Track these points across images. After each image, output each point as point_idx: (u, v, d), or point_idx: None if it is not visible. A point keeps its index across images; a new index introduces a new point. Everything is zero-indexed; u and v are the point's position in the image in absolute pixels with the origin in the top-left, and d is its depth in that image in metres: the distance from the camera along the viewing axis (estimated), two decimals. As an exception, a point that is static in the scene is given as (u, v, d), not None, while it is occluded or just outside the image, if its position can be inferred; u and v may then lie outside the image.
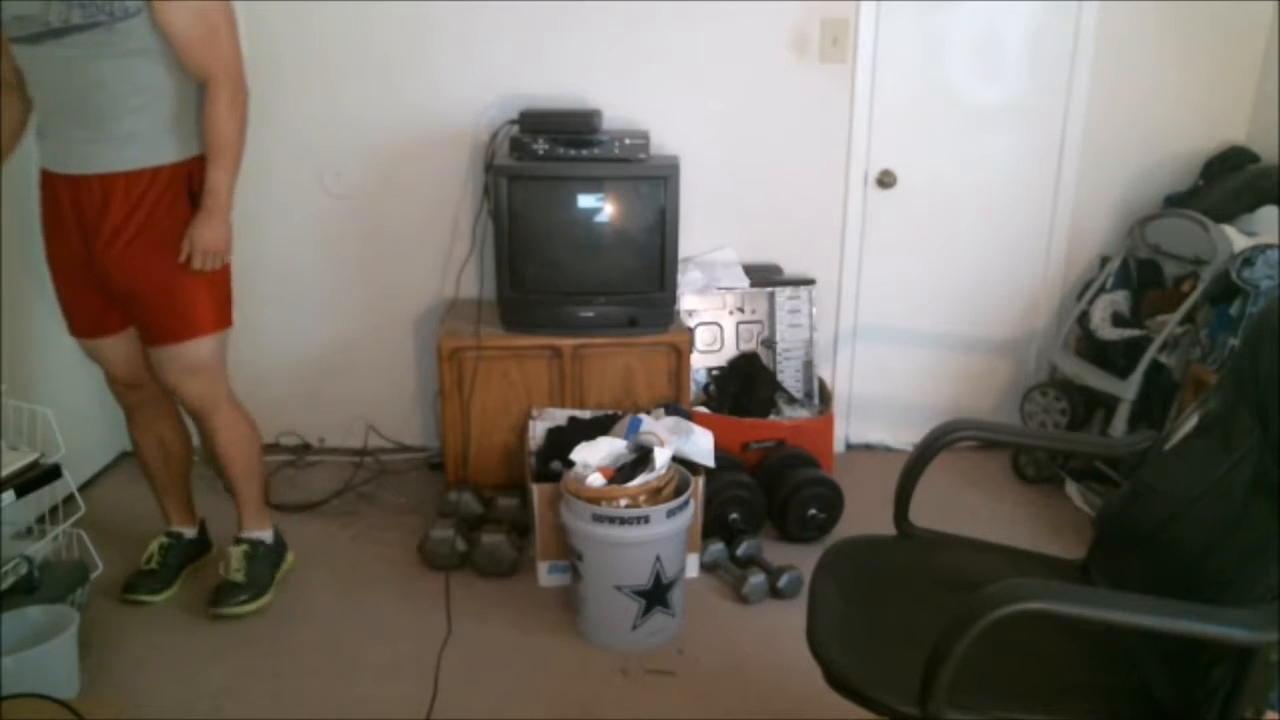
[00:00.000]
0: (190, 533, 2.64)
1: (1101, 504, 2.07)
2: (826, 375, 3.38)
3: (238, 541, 2.53)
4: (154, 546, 2.57)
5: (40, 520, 2.53)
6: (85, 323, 2.35)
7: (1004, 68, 3.21)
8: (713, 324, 3.24)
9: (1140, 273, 3.15)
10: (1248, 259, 2.71)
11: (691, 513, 2.44)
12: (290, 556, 2.66)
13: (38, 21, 2.04)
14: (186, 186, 2.22)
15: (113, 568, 2.59)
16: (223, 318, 2.36)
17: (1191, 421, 1.66)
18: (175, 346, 2.30)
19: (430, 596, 2.58)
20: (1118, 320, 3.10)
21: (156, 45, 2.10)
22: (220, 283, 2.33)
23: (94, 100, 2.11)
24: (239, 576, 2.48)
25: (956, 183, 3.29)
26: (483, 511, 2.87)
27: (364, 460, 3.35)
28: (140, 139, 2.16)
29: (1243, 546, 1.43)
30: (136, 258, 2.21)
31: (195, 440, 2.63)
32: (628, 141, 2.88)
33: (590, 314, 2.93)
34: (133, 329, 2.36)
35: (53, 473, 2.39)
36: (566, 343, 2.92)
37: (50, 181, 2.22)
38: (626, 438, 2.53)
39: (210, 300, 2.31)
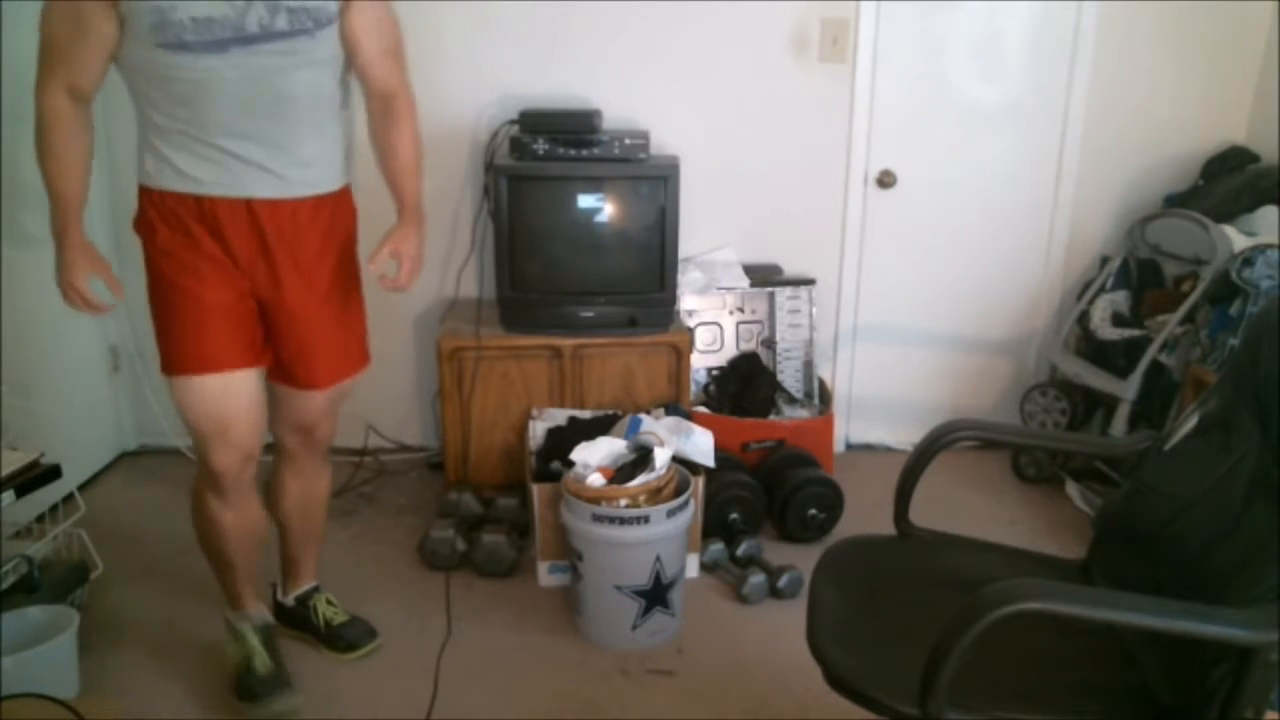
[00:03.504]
0: (268, 614, 2.31)
1: (1101, 504, 2.06)
2: (826, 375, 3.38)
3: (316, 591, 2.42)
4: (255, 644, 2.20)
5: (40, 520, 2.53)
6: (241, 349, 2.00)
7: (1004, 68, 3.21)
8: (713, 324, 3.24)
9: (1140, 273, 3.15)
10: (1248, 259, 2.71)
11: (691, 513, 2.43)
12: None
13: (228, 26, 1.78)
14: (351, 211, 2.12)
15: (113, 568, 2.59)
16: None
17: (1191, 421, 1.66)
18: (347, 382, 2.16)
19: (430, 596, 2.58)
20: (1118, 320, 3.10)
21: (339, 56, 1.95)
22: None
23: (280, 116, 1.89)
24: (345, 616, 2.40)
25: (956, 183, 3.29)
26: (483, 511, 2.87)
27: (364, 460, 3.35)
28: (321, 160, 2.00)
29: (1243, 546, 1.43)
30: (319, 290, 2.04)
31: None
32: (628, 141, 2.88)
33: (590, 314, 2.93)
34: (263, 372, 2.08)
35: (53, 473, 2.39)
36: (566, 343, 2.92)
37: (198, 206, 1.91)
38: (626, 438, 2.53)
39: (365, 325, 2.21)
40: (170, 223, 1.93)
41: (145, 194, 1.95)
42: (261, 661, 2.18)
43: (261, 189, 1.92)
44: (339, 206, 2.07)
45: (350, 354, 2.16)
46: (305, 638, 2.39)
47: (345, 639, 2.36)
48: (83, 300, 1.91)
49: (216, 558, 2.18)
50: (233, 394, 1.99)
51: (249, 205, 1.92)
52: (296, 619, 2.40)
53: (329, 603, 2.41)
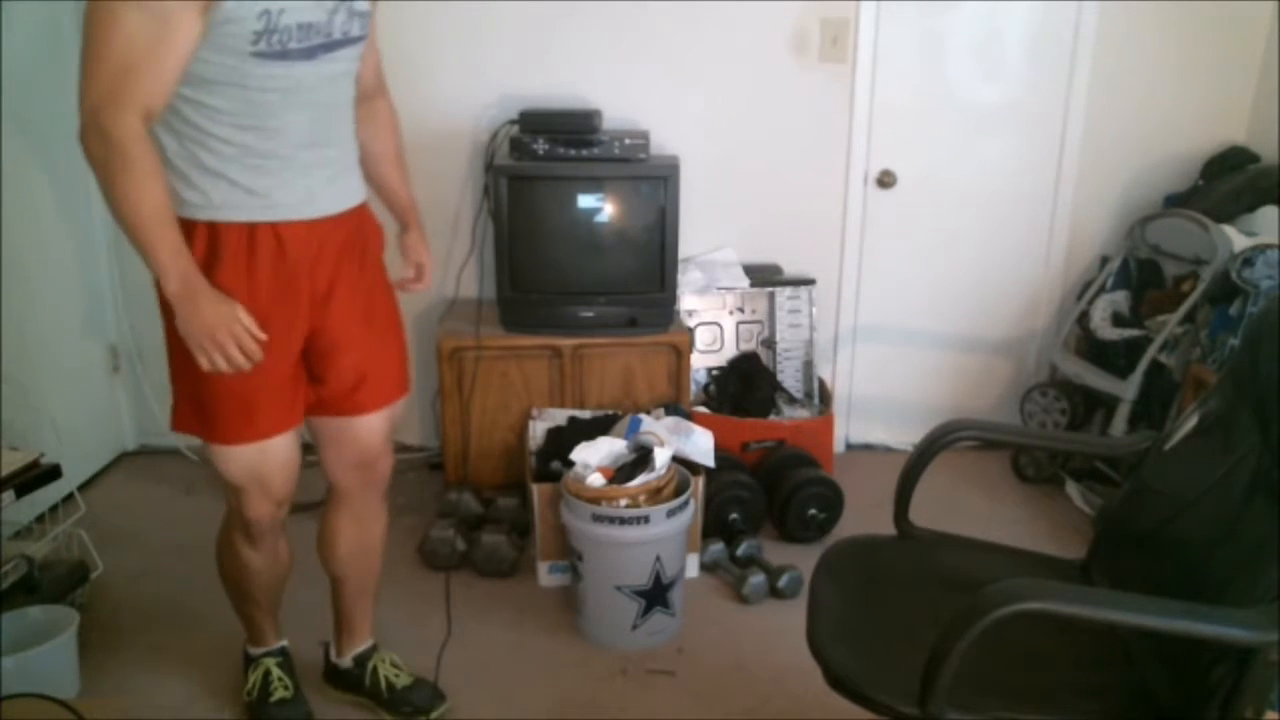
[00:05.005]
0: (286, 642, 2.20)
1: (1101, 504, 2.07)
2: (826, 375, 3.38)
3: (375, 650, 2.21)
4: (271, 671, 2.12)
5: (40, 520, 2.53)
6: (284, 415, 1.85)
7: (1004, 68, 3.21)
8: (713, 324, 3.24)
9: (1140, 273, 3.15)
10: (1248, 259, 2.71)
11: (691, 513, 2.43)
12: None
13: (320, 32, 1.65)
14: (374, 219, 1.97)
15: (113, 568, 2.59)
16: None
17: (1191, 421, 1.67)
18: (401, 400, 2.02)
19: (430, 596, 2.58)
20: (1118, 320, 3.10)
21: None
22: None
23: (340, 122, 1.80)
24: (409, 678, 2.19)
25: (956, 183, 3.29)
26: (483, 511, 2.87)
27: (364, 460, 3.35)
28: (358, 168, 1.89)
29: (1243, 546, 1.43)
30: (363, 306, 1.89)
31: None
32: (628, 141, 2.88)
33: (590, 314, 2.93)
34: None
35: (53, 473, 2.39)
36: (566, 343, 2.92)
37: (250, 236, 1.70)
38: (626, 438, 2.53)
39: (406, 345, 2.08)
40: (218, 269, 1.68)
41: (191, 229, 1.67)
42: (267, 690, 2.11)
43: (332, 202, 1.79)
44: (367, 215, 1.92)
45: (405, 363, 2.03)
46: (363, 702, 2.19)
47: (411, 704, 2.15)
48: (251, 349, 1.66)
49: (242, 598, 2.08)
50: (272, 452, 1.84)
51: (310, 226, 1.75)
52: (352, 681, 2.19)
53: (392, 664, 2.19)
